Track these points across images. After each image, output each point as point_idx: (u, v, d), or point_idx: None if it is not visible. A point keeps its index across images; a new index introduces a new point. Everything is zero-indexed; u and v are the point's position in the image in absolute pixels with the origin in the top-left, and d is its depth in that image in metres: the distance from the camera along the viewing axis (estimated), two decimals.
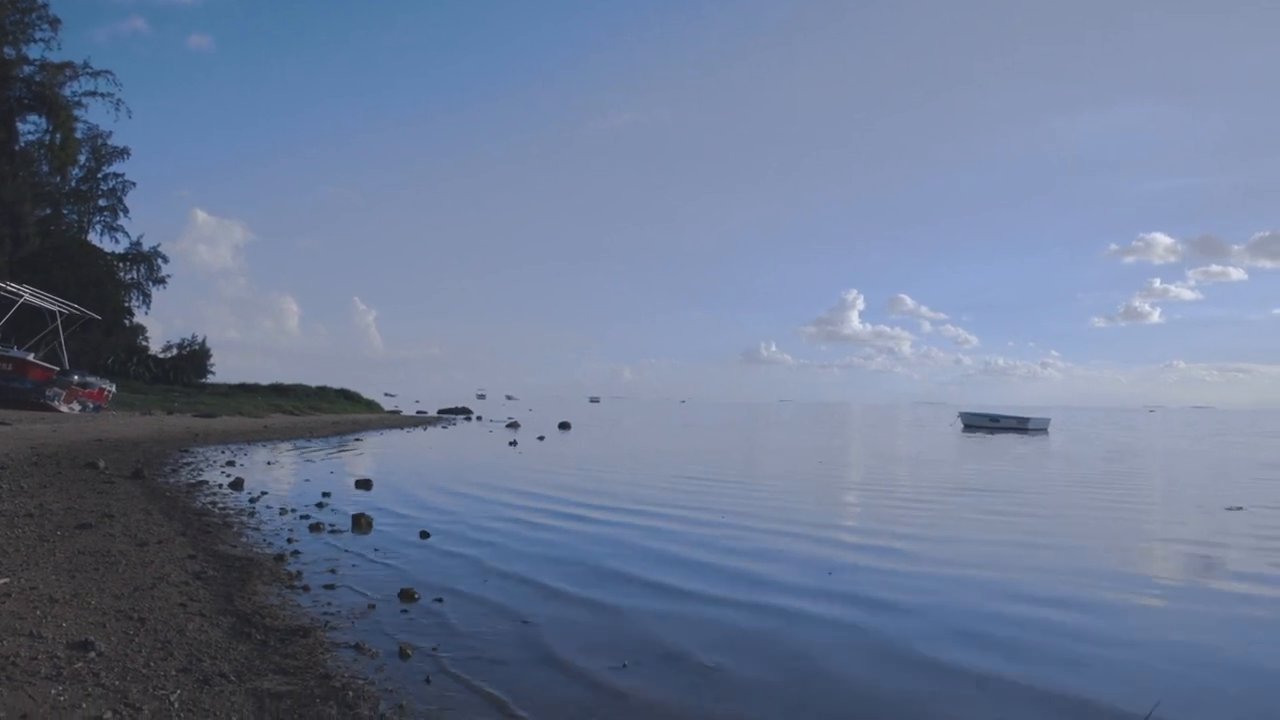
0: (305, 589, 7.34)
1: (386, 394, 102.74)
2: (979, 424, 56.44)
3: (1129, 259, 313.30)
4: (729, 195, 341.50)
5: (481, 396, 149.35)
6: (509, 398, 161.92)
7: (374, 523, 11.14)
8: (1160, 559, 10.53)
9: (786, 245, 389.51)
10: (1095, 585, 8.51)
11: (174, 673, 4.65)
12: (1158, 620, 7.28)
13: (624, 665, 5.66)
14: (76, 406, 29.34)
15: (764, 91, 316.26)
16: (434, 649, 5.81)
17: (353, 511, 11.75)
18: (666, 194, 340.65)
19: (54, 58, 42.96)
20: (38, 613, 5.41)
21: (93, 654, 4.70)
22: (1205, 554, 10.46)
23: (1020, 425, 54.17)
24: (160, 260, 51.88)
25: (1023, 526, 12.58)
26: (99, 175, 49.72)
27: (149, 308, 51.31)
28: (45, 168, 44.74)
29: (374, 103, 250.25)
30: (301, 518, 11.46)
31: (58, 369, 28.92)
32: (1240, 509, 14.60)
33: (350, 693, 4.74)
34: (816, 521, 12.88)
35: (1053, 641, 6.45)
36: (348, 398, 54.91)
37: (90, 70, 44.80)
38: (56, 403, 28.18)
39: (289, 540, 9.71)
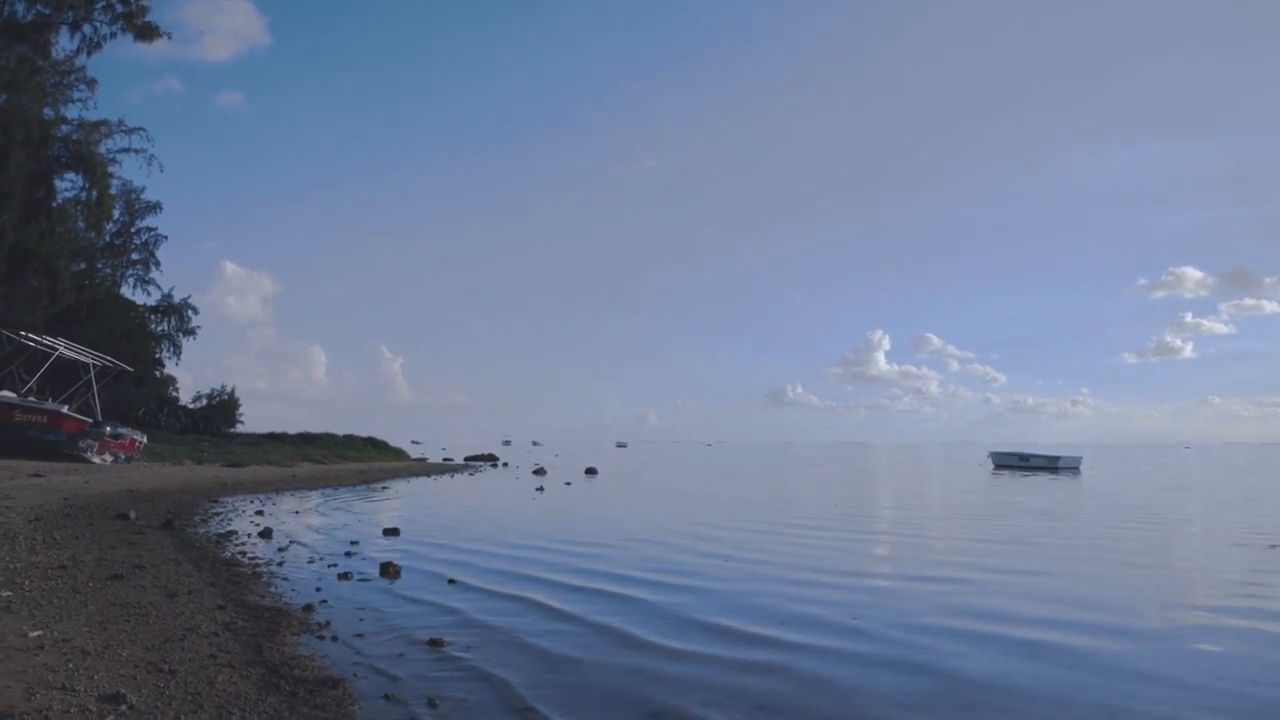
0: (334, 639, 7.31)
1: (413, 441, 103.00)
2: (1009, 463, 55.81)
3: (1159, 293, 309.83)
4: (752, 235, 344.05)
5: (507, 443, 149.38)
6: (535, 443, 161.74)
7: (402, 570, 11.12)
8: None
9: (810, 285, 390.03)
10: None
11: None
12: None
13: (654, 715, 5.57)
14: (109, 458, 29.69)
15: (785, 132, 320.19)
16: (463, 699, 5.74)
17: (381, 559, 11.75)
18: (690, 235, 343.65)
19: (90, 116, 44.33)
20: (70, 665, 5.42)
21: (124, 707, 4.69)
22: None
23: (1051, 464, 53.44)
24: (190, 312, 52.74)
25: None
26: (132, 229, 50.83)
27: (179, 359, 52.07)
28: (81, 224, 45.83)
29: (397, 147, 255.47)
30: (330, 566, 11.47)
31: (90, 421, 29.30)
32: None
33: None
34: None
35: None
36: (375, 446, 55.07)
37: (125, 127, 46.06)
38: (89, 454, 28.53)
39: (317, 589, 9.70)
